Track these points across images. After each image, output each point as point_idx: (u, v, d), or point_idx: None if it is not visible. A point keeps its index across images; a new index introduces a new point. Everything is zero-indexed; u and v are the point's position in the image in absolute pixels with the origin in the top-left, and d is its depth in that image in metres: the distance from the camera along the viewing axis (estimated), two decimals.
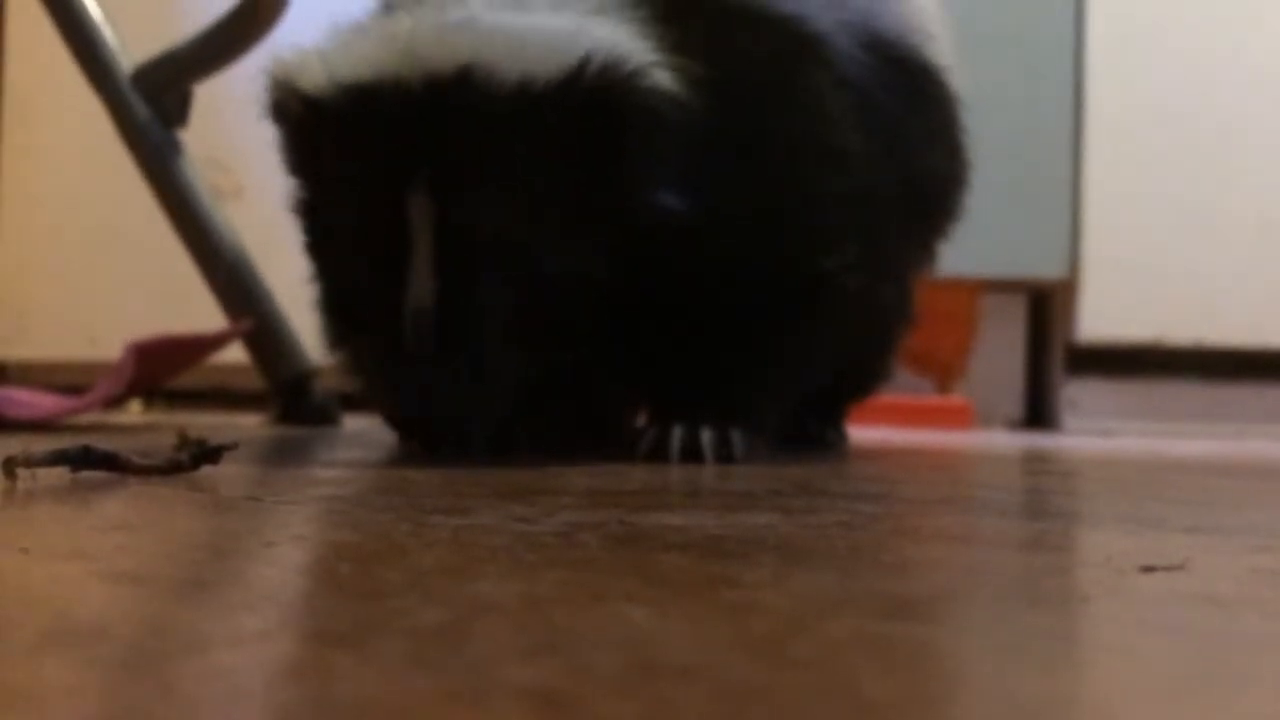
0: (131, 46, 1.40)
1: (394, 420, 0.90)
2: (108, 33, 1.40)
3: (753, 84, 0.81)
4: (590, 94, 0.72)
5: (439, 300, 0.71)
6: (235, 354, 1.43)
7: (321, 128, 0.74)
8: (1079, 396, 2.03)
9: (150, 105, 1.37)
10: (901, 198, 0.90)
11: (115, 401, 1.30)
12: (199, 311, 1.43)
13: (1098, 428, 1.92)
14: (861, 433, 1.27)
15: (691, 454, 0.80)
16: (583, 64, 0.72)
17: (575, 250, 0.74)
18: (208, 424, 1.28)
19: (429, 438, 0.75)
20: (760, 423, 0.89)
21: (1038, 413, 2.08)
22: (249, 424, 1.36)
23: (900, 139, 0.90)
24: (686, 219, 0.76)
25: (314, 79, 0.73)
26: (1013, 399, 2.09)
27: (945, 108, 0.99)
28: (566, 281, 0.74)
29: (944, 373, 1.99)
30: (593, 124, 0.73)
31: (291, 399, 1.39)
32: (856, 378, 1.10)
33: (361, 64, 0.72)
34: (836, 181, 0.83)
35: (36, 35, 1.76)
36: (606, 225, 0.75)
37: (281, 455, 0.92)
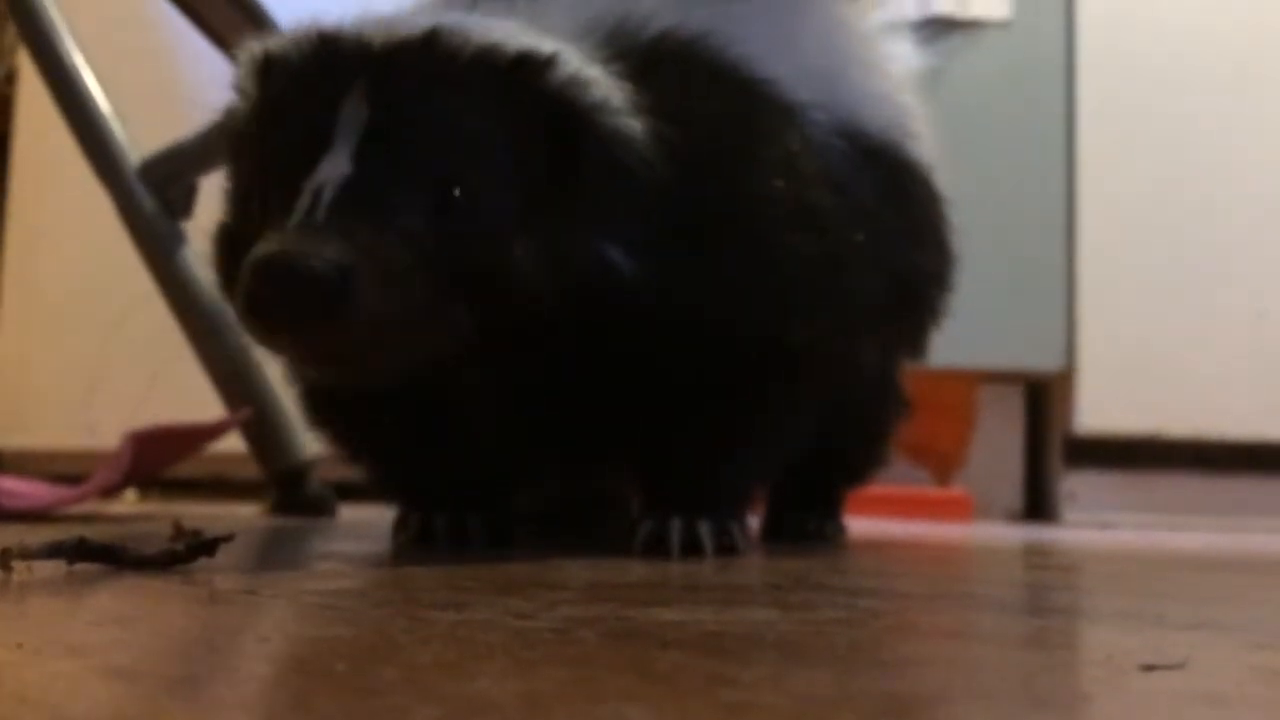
0: (139, 139, 1.43)
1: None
2: (116, 126, 1.42)
3: (723, 144, 0.80)
4: (551, 97, 0.71)
5: (347, 182, 0.65)
6: (232, 443, 1.43)
7: (280, 67, 0.73)
8: (1078, 488, 2.02)
9: (156, 198, 1.39)
10: (883, 290, 0.89)
11: (112, 491, 1.30)
12: (199, 401, 1.44)
13: (1097, 520, 1.91)
14: (861, 524, 1.27)
15: (692, 548, 0.79)
16: (549, 60, 0.71)
17: (506, 228, 0.70)
18: (204, 514, 1.28)
19: (273, 312, 0.63)
20: (746, 507, 0.88)
21: (1037, 504, 2.08)
22: (245, 514, 1.35)
23: (876, 229, 0.88)
24: (633, 283, 0.74)
25: (282, 37, 0.74)
26: (1012, 490, 2.09)
27: (927, 206, 0.98)
28: (491, 252, 0.69)
29: (942, 464, 1.98)
30: (547, 128, 0.71)
31: (288, 489, 1.39)
32: (851, 464, 1.09)
33: (333, 25, 0.72)
34: (806, 240, 0.81)
35: (44, 127, 1.79)
36: (551, 247, 0.71)
37: (277, 547, 0.92)
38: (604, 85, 0.73)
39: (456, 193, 0.68)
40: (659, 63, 0.78)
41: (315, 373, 0.73)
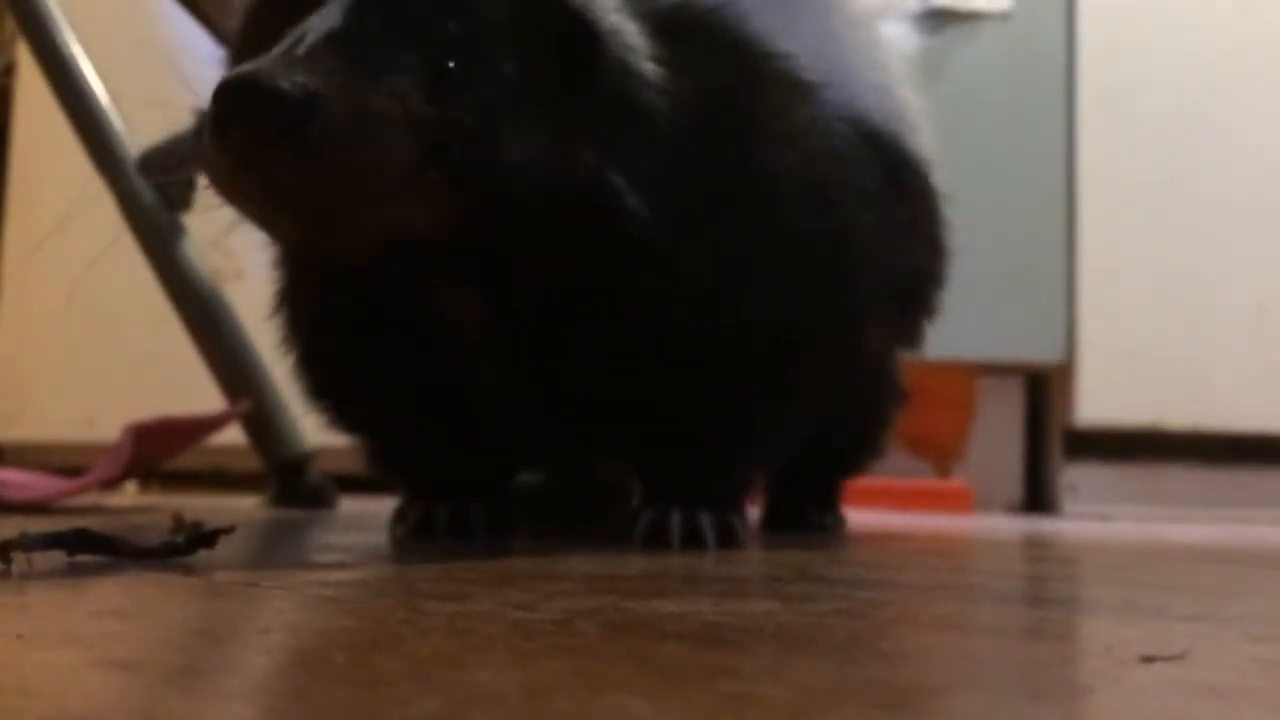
0: (138, 131, 1.42)
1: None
2: (115, 118, 1.42)
3: (736, 112, 0.79)
4: (567, 11, 0.70)
5: (335, 33, 0.62)
6: (232, 436, 1.43)
7: None
8: (1078, 480, 2.02)
9: (156, 190, 1.39)
10: (884, 277, 0.89)
11: (112, 483, 1.30)
12: (198, 393, 1.44)
13: (1097, 512, 1.92)
14: (860, 516, 1.27)
15: (693, 540, 0.79)
16: None
17: (502, 117, 0.67)
18: (204, 506, 1.28)
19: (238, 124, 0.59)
20: (745, 500, 0.88)
21: (1037, 496, 2.08)
22: (245, 506, 1.35)
23: (877, 216, 0.87)
24: (636, 220, 0.73)
25: None
26: (1011, 482, 2.09)
27: (924, 200, 0.98)
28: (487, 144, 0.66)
29: (942, 456, 1.99)
30: (560, 42, 0.70)
31: (288, 481, 1.39)
32: (850, 455, 1.09)
33: None
34: (813, 215, 0.80)
35: (42, 119, 1.79)
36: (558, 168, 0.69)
37: (277, 539, 0.92)
38: (621, 22, 0.73)
39: (452, 65, 0.65)
40: (676, 27, 0.78)
41: (282, 228, 0.66)
